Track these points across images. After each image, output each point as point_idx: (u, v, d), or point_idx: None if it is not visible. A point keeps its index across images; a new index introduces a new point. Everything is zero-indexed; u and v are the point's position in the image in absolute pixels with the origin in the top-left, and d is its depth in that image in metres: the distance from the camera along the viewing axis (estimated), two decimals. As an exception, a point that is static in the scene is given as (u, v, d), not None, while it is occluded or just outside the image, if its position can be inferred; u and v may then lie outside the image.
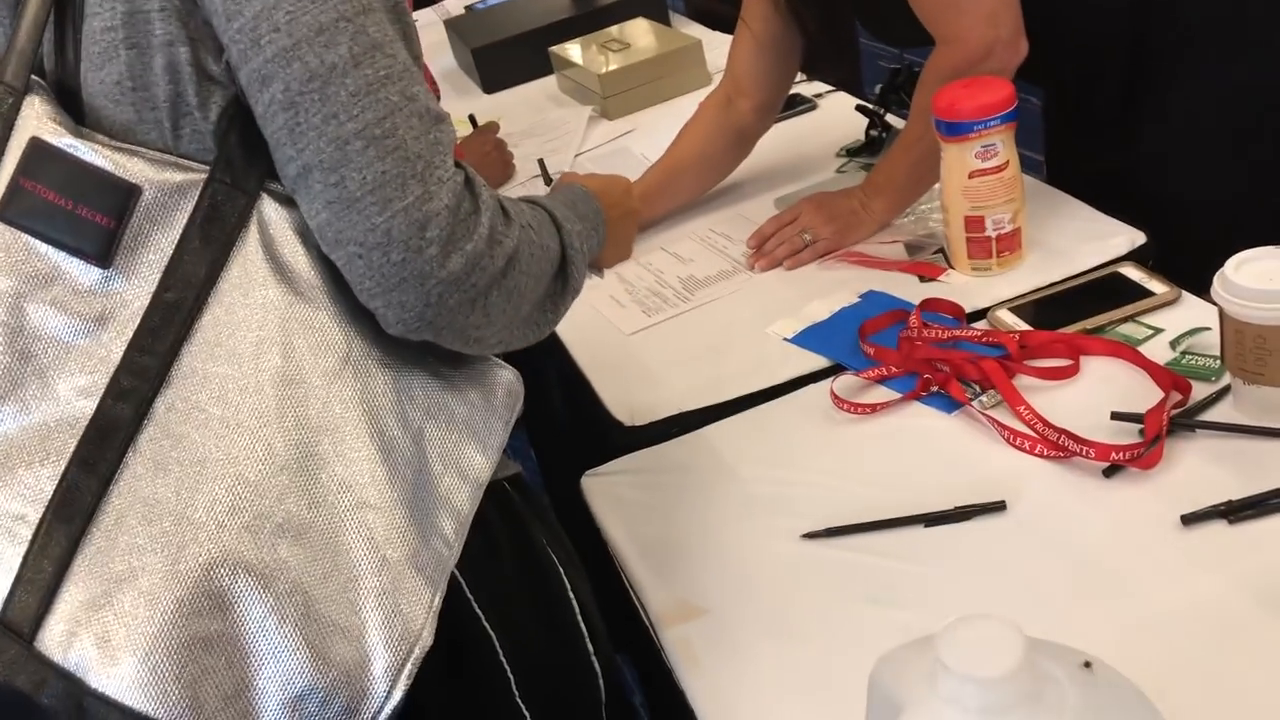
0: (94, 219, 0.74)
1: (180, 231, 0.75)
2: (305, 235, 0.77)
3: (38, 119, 0.76)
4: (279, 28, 0.72)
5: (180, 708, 0.70)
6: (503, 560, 0.91)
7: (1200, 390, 1.03)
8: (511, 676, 0.88)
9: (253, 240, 0.76)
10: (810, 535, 0.99)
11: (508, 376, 0.85)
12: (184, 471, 0.73)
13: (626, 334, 1.36)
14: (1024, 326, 1.17)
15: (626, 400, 1.23)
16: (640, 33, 2.14)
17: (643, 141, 1.90)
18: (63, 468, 0.73)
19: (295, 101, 0.72)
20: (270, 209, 0.77)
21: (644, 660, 1.06)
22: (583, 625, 0.95)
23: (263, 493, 0.73)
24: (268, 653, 0.72)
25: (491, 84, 2.29)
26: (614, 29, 2.18)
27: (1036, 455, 1.02)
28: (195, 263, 0.75)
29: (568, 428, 1.57)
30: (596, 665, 0.95)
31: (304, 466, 0.74)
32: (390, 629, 0.74)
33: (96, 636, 0.71)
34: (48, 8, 0.77)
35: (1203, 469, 0.95)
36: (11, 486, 0.74)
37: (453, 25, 2.46)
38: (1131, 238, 1.28)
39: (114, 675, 0.70)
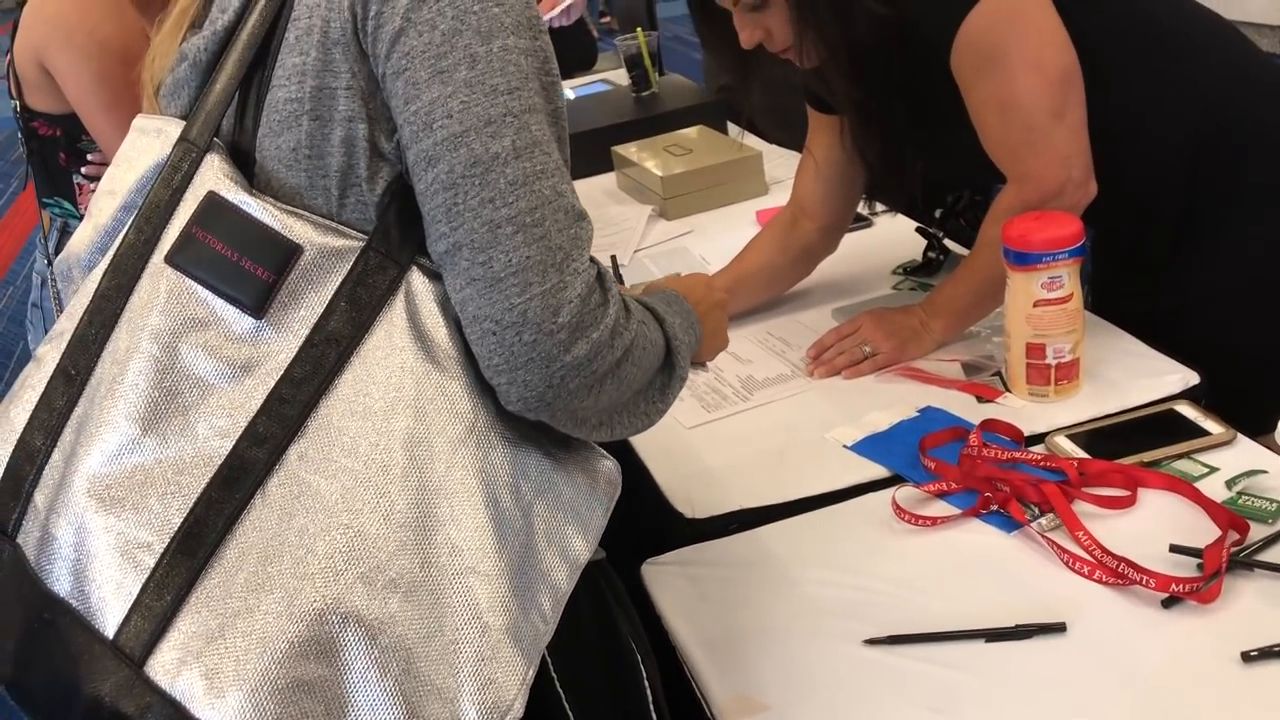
0: (255, 272, 0.80)
1: (332, 292, 0.80)
2: (447, 308, 0.81)
3: (215, 175, 0.82)
4: (451, 115, 0.78)
5: None
6: (587, 643, 0.93)
7: (1258, 531, 1.05)
8: None
9: (399, 308, 0.81)
10: (872, 641, 1.01)
11: (609, 466, 0.89)
12: (308, 518, 0.76)
13: (686, 427, 1.40)
14: (1081, 454, 1.21)
15: (686, 493, 1.26)
16: (702, 140, 2.22)
17: (700, 243, 1.96)
18: (191, 502, 0.77)
19: (457, 183, 0.78)
20: (418, 281, 0.82)
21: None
22: (652, 709, 0.97)
23: (380, 547, 0.75)
24: (365, 704, 0.74)
25: (552, 176, 2.36)
26: (677, 134, 2.25)
27: (1095, 580, 1.04)
28: (342, 323, 0.79)
29: (619, 515, 1.59)
30: None
31: (421, 526, 0.77)
32: (484, 696, 0.76)
33: (206, 669, 0.73)
34: (239, 78, 0.84)
35: (1262, 608, 0.98)
36: (141, 514, 0.77)
37: (517, 116, 2.54)
38: (1185, 377, 1.32)
39: (218, 708, 0.72)
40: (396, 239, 0.81)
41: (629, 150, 2.23)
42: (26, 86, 1.83)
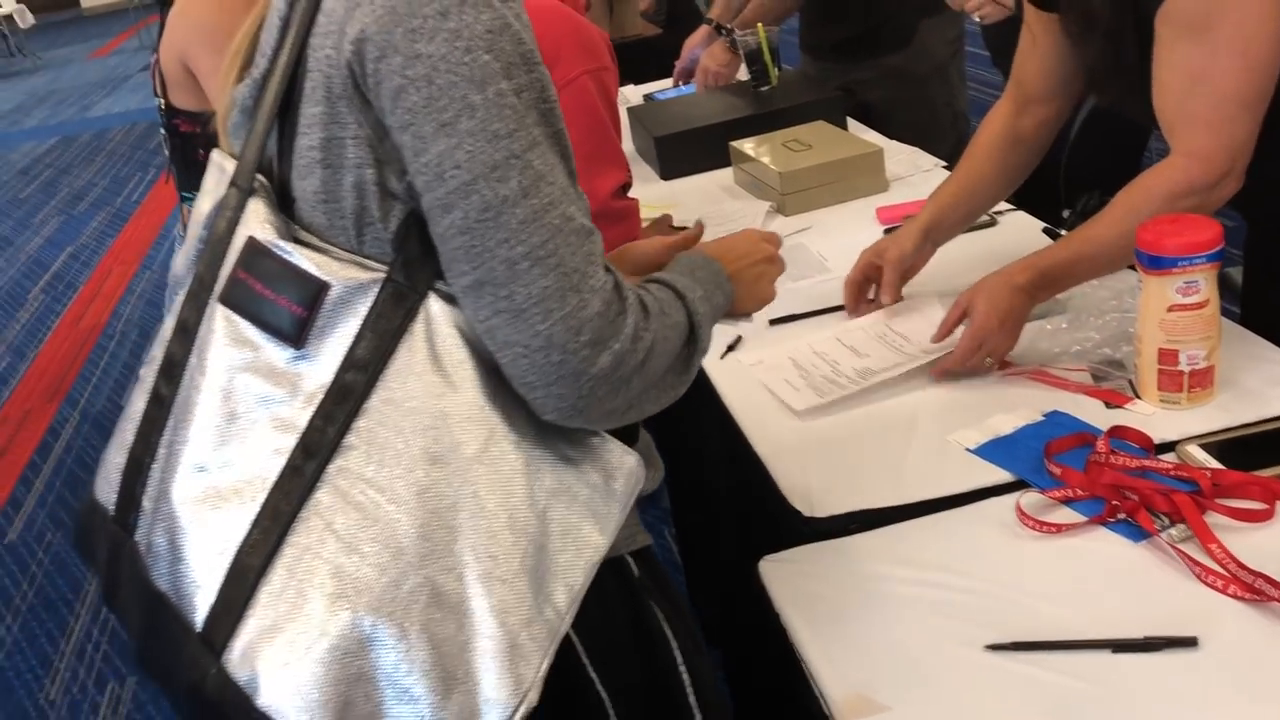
0: (290, 308, 0.88)
1: (360, 321, 0.87)
2: (461, 329, 0.88)
3: (256, 219, 0.90)
4: (460, 165, 0.83)
5: None
6: (618, 629, 0.99)
7: (1406, 549, 1.01)
8: None
9: (418, 332, 0.87)
10: (995, 647, 1.00)
11: (630, 463, 0.93)
12: (346, 530, 0.84)
13: (798, 410, 1.40)
14: (1214, 464, 1.17)
15: (805, 492, 1.26)
16: (822, 135, 2.20)
17: (818, 240, 1.95)
18: (254, 514, 0.85)
19: (472, 228, 0.84)
20: (435, 306, 0.88)
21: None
22: (691, 695, 1.03)
23: (407, 556, 0.83)
24: (395, 695, 0.82)
25: (670, 171, 2.38)
26: (797, 129, 2.24)
27: (1229, 595, 1.01)
28: (368, 350, 0.86)
29: (730, 509, 1.60)
30: None
31: (443, 537, 0.84)
32: (502, 687, 0.84)
33: (265, 661, 0.82)
34: (270, 123, 0.91)
35: None
36: (215, 526, 0.87)
37: (635, 113, 2.56)
38: (1328, 388, 1.27)
39: (274, 699, 0.82)
40: (414, 269, 0.87)
41: (747, 145, 2.23)
42: (170, 85, 1.92)
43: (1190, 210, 1.27)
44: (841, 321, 1.62)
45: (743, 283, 1.10)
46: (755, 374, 1.52)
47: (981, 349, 1.41)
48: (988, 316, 1.40)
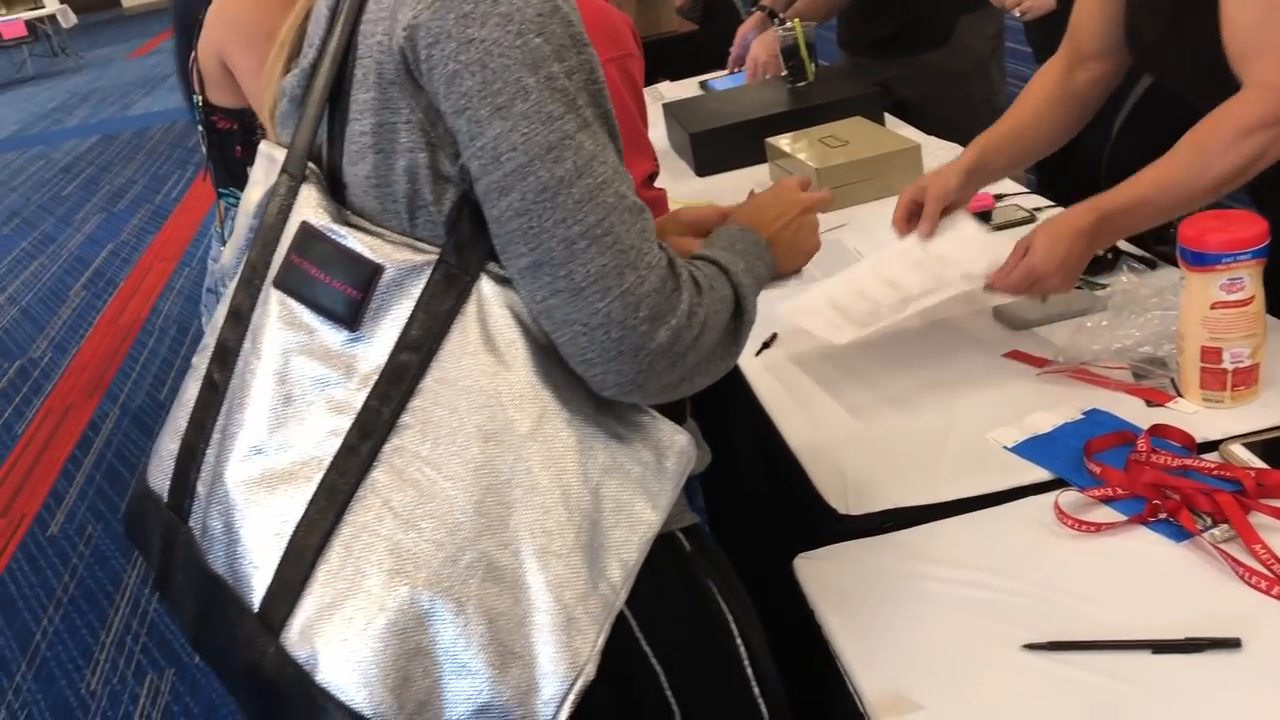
0: (345, 291, 0.89)
1: (414, 303, 0.88)
2: (513, 310, 0.88)
3: (309, 205, 0.91)
4: (516, 147, 0.84)
5: (385, 706, 0.81)
6: (671, 604, 0.99)
7: None
8: (676, 710, 0.97)
9: (470, 313, 0.88)
10: (1033, 646, 0.99)
11: (681, 442, 0.93)
12: (402, 507, 0.85)
13: (841, 343, 1.42)
14: (1259, 464, 1.15)
15: (841, 489, 1.25)
16: (859, 131, 2.19)
17: (856, 237, 1.94)
18: (311, 494, 0.86)
19: (530, 209, 0.84)
20: (487, 287, 0.89)
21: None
22: (749, 667, 1.02)
23: (463, 532, 0.84)
24: (453, 670, 0.82)
25: (705, 168, 2.37)
26: (833, 125, 2.23)
27: (1273, 597, 1.00)
28: (422, 331, 0.87)
29: (765, 507, 1.59)
30: (763, 707, 1.03)
31: (498, 513, 0.85)
32: (559, 661, 0.84)
33: (324, 638, 0.83)
34: (321, 110, 0.92)
35: None
36: (271, 507, 0.87)
37: (671, 110, 2.56)
38: (1376, 386, 1.25)
39: (333, 675, 0.82)
40: (465, 251, 0.88)
41: (783, 141, 2.22)
42: (208, 82, 1.93)
43: (1264, 146, 1.24)
44: (875, 251, 1.59)
45: (781, 243, 1.10)
46: (791, 319, 1.52)
47: (1034, 287, 1.39)
48: (1046, 260, 1.36)
